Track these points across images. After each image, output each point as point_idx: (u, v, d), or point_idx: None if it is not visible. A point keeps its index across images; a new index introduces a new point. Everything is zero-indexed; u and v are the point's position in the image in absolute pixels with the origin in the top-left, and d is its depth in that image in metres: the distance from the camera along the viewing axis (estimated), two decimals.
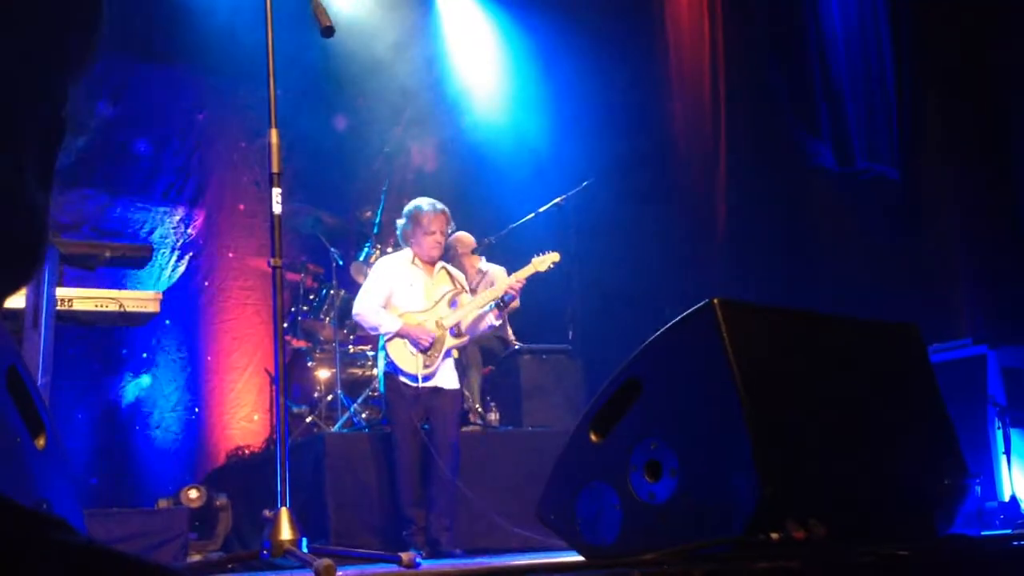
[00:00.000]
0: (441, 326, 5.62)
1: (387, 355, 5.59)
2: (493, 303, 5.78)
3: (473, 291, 6.17)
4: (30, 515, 0.50)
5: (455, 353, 5.78)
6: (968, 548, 2.54)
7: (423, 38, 8.95)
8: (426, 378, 5.52)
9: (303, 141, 7.83)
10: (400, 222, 5.79)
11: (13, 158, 0.55)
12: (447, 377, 5.64)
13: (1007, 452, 5.08)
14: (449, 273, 5.86)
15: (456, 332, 5.70)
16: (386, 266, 5.82)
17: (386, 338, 5.59)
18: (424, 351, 5.53)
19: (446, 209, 5.74)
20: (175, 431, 7.46)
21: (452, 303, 5.75)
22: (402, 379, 5.51)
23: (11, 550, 0.47)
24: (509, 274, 5.94)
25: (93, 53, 0.62)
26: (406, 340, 5.53)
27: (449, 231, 5.83)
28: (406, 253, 5.77)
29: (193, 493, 6.54)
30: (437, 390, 5.57)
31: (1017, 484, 5.08)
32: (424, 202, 5.75)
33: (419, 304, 5.66)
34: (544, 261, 5.88)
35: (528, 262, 5.85)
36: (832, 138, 7.50)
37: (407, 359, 5.53)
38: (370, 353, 7.01)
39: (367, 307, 5.62)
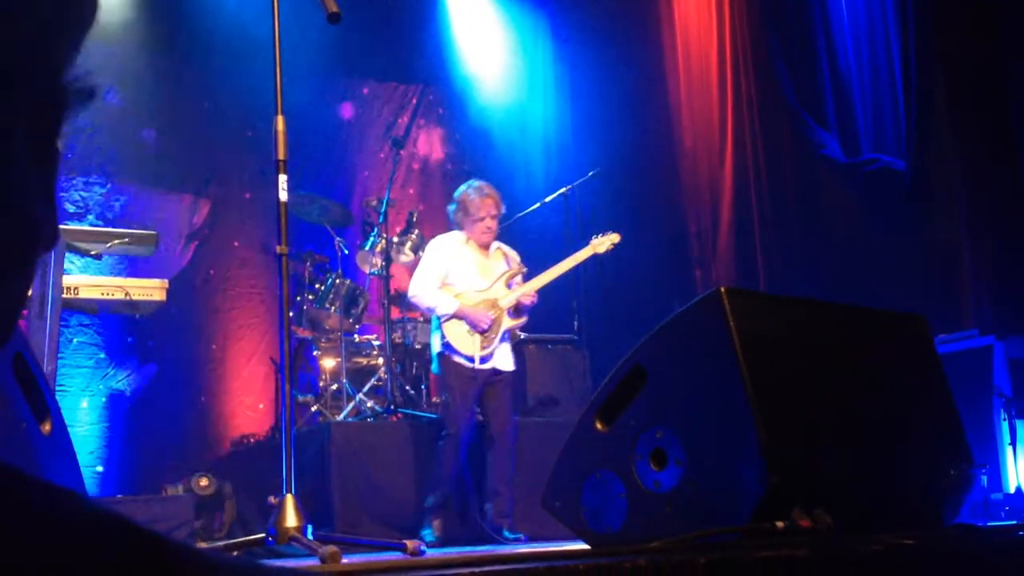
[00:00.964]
0: (499, 307, 5.53)
1: (443, 335, 5.48)
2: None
3: None
4: (44, 485, 0.49)
5: (513, 335, 5.71)
6: (975, 538, 2.54)
7: (432, 26, 8.94)
8: (483, 359, 5.44)
9: (309, 129, 7.83)
10: (450, 207, 5.71)
11: None
12: (504, 359, 5.57)
13: (1013, 443, 5.07)
14: (505, 254, 5.75)
15: (514, 313, 5.61)
16: (440, 246, 5.70)
17: (442, 320, 5.50)
18: (482, 332, 5.44)
19: (494, 192, 5.64)
20: (180, 419, 7.47)
21: (509, 284, 5.65)
22: (457, 359, 5.44)
23: (28, 520, 0.47)
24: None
25: (95, 5, 0.57)
26: (463, 321, 5.45)
27: (502, 212, 5.67)
28: (460, 234, 5.68)
29: (203, 481, 6.57)
30: (495, 372, 5.50)
31: (1023, 475, 5.07)
32: (471, 188, 5.65)
33: (476, 284, 5.58)
34: (603, 242, 5.78)
35: (586, 243, 5.75)
36: (839, 129, 7.48)
37: (464, 340, 5.44)
38: (375, 343, 7.01)
39: (423, 288, 5.54)
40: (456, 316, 5.43)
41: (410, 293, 5.66)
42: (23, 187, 0.53)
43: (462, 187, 5.73)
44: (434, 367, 5.68)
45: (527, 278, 5.73)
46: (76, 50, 0.56)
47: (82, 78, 0.57)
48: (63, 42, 0.55)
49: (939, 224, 6.70)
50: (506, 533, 5.33)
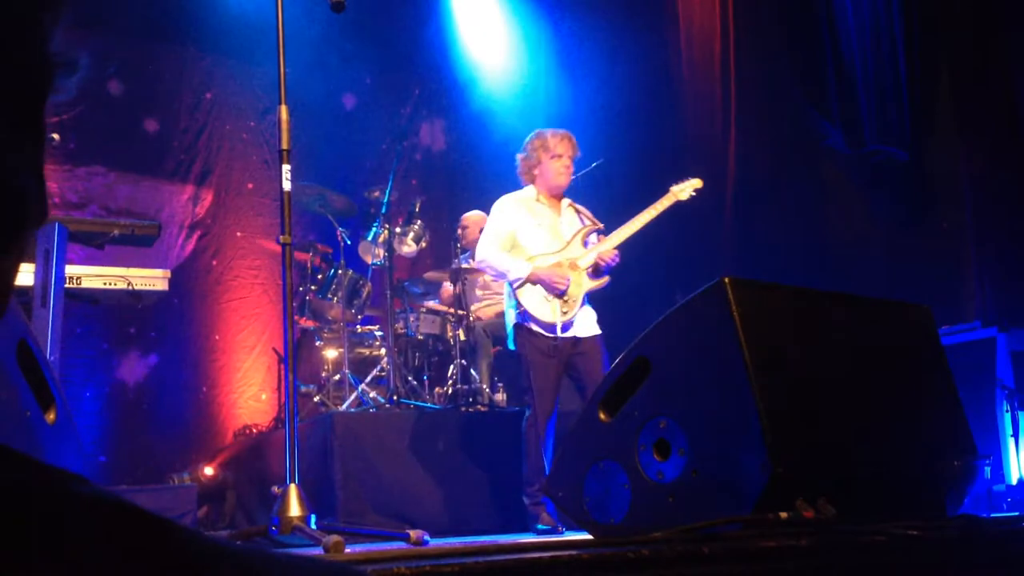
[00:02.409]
0: (577, 267, 5.06)
1: (517, 304, 5.00)
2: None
3: None
4: (52, 470, 0.49)
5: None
6: (978, 529, 2.54)
7: (434, 16, 8.92)
8: (565, 327, 4.95)
9: (311, 120, 7.82)
10: (519, 156, 5.26)
11: None
12: (587, 324, 5.06)
13: (1015, 435, 5.08)
14: (577, 211, 5.29)
15: (595, 273, 5.10)
16: (507, 205, 5.21)
17: (515, 286, 5.01)
18: (560, 296, 4.95)
19: (571, 134, 5.22)
20: (183, 410, 7.48)
21: (585, 242, 5.18)
22: (536, 329, 4.95)
23: (38, 505, 0.47)
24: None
25: None
26: (539, 286, 4.98)
27: (578, 154, 5.24)
28: (528, 190, 5.22)
29: (209, 470, 6.59)
30: (577, 340, 4.99)
31: None
32: (546, 130, 5.22)
33: (549, 245, 5.10)
34: (685, 188, 5.33)
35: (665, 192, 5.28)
36: (842, 119, 7.46)
37: (542, 307, 4.95)
38: (378, 334, 7.02)
39: (491, 252, 5.09)
40: (530, 281, 4.97)
41: (477, 258, 5.24)
42: (8, 161, 0.52)
43: (531, 135, 5.29)
44: (509, 342, 5.16)
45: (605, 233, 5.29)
46: (57, 22, 0.55)
47: (63, 51, 0.56)
48: (45, 14, 0.54)
49: (942, 215, 6.70)
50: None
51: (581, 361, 4.99)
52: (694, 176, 5.57)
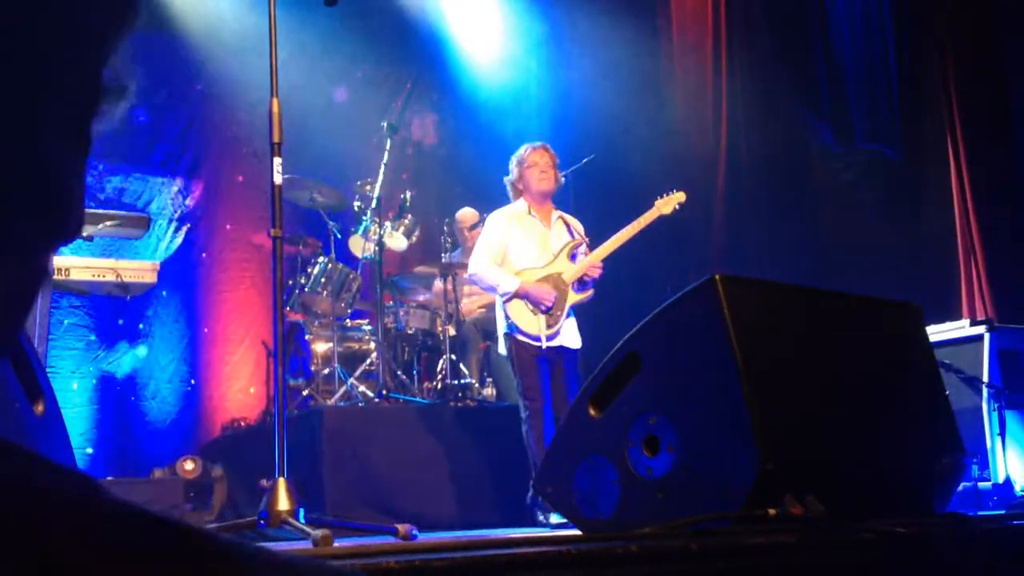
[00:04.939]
0: (563, 281, 5.30)
1: (507, 315, 5.27)
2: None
3: None
4: (34, 458, 0.49)
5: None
6: (964, 526, 2.55)
7: (426, 10, 8.90)
8: (549, 338, 5.22)
9: (302, 113, 7.80)
10: (506, 179, 5.51)
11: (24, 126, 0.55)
12: (571, 336, 5.33)
13: (1002, 434, 5.10)
14: (567, 223, 5.50)
15: (580, 286, 5.36)
16: (499, 219, 5.46)
17: (504, 299, 5.28)
18: (547, 311, 5.22)
19: (547, 145, 5.45)
20: (171, 402, 7.46)
21: (572, 256, 5.41)
22: (523, 339, 5.21)
23: (11, 495, 0.47)
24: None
25: (134, 8, 0.62)
26: (526, 300, 5.22)
27: (556, 161, 5.45)
28: (520, 203, 5.45)
29: (189, 464, 6.57)
30: (560, 350, 5.27)
31: (1011, 465, 5.09)
32: (524, 145, 5.47)
33: (538, 259, 5.35)
34: (668, 203, 5.50)
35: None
36: (832, 117, 7.48)
37: (528, 319, 5.22)
38: (367, 328, 7.01)
39: (483, 266, 5.32)
40: (518, 295, 5.22)
41: (470, 271, 5.47)
42: (63, 169, 0.56)
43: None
44: (501, 348, 5.44)
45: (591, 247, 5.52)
46: (120, 46, 0.62)
47: (117, 77, 0.62)
48: (114, 36, 0.61)
49: (931, 214, 6.72)
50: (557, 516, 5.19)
51: (557, 372, 5.28)
52: (681, 186, 5.78)
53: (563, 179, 5.65)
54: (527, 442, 5.13)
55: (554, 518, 4.95)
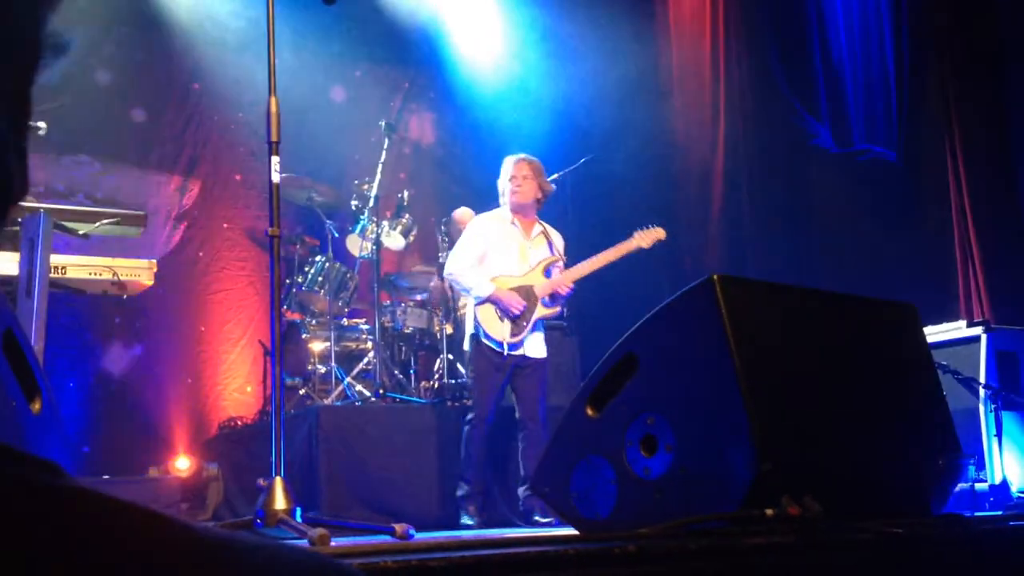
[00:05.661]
0: (534, 294, 5.45)
1: (476, 318, 5.43)
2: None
3: None
4: (19, 456, 0.49)
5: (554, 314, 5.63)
6: (961, 527, 2.55)
7: (423, 10, 8.89)
8: (512, 347, 5.37)
9: (300, 112, 7.78)
10: (498, 184, 5.65)
11: None
12: (535, 346, 5.48)
13: (999, 435, 5.10)
14: (548, 238, 5.64)
15: (549, 301, 5.52)
16: (482, 224, 5.63)
17: (476, 302, 5.44)
18: (514, 320, 5.37)
19: (527, 156, 5.58)
20: (167, 401, 7.45)
21: (547, 271, 5.56)
22: (487, 343, 5.37)
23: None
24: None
25: None
26: (496, 305, 5.39)
27: (537, 172, 5.57)
28: (504, 211, 5.59)
29: (183, 463, 6.56)
30: (523, 359, 5.42)
31: (1008, 466, 5.10)
32: (509, 156, 5.61)
33: (514, 268, 5.51)
34: (647, 237, 5.60)
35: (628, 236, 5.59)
36: (830, 118, 7.48)
37: (494, 325, 5.38)
38: (365, 327, 7.00)
39: (461, 267, 5.48)
40: (490, 300, 5.37)
41: (446, 271, 5.63)
42: None
43: None
44: (466, 345, 5.62)
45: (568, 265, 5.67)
46: (54, 7, 0.57)
47: (55, 33, 0.57)
48: (43, 4, 0.56)
49: (929, 215, 6.72)
50: (537, 516, 5.31)
51: (522, 380, 5.44)
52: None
53: (553, 187, 5.73)
54: (467, 441, 5.41)
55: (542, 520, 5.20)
